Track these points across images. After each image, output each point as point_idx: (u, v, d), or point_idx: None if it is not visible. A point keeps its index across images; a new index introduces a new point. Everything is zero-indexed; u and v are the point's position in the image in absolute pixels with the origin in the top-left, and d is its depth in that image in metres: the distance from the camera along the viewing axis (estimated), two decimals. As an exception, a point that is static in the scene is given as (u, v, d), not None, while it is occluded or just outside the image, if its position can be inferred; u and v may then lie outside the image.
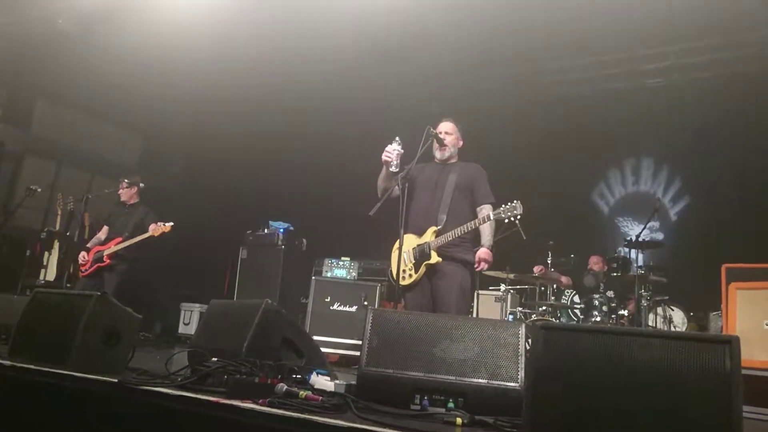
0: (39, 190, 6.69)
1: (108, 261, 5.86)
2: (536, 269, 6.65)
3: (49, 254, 6.92)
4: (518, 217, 3.59)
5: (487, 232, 3.83)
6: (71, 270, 6.79)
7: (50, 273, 6.85)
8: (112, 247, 5.89)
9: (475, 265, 3.83)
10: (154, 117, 8.64)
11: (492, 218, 3.68)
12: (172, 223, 5.85)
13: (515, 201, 3.61)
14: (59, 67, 7.38)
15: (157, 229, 5.82)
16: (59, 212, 7.12)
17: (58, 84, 7.79)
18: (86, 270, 5.95)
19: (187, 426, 2.21)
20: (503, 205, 3.67)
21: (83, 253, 6.04)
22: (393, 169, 3.85)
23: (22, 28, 7.10)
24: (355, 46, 6.96)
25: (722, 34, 6.96)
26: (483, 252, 3.81)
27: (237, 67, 7.56)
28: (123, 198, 6.26)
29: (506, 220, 3.65)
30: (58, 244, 6.95)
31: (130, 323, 2.99)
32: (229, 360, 2.57)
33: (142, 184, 6.30)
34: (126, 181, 6.24)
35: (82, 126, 8.67)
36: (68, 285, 6.38)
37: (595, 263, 7.11)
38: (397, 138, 3.89)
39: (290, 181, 8.63)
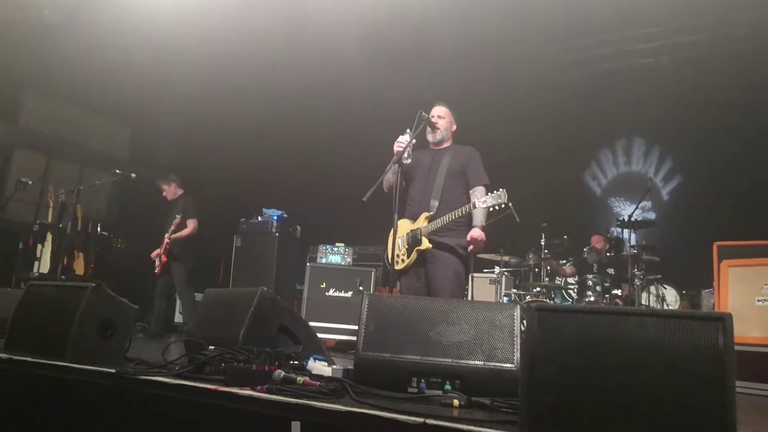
0: (30, 182, 6.67)
1: (165, 259, 6.41)
2: (568, 269, 7.15)
3: (43, 247, 6.90)
4: (503, 205, 3.57)
5: (479, 214, 3.81)
6: (65, 262, 6.77)
7: (44, 265, 6.83)
8: (162, 247, 6.43)
9: (469, 246, 3.82)
10: (144, 107, 8.57)
11: (477, 207, 3.66)
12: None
13: (500, 189, 3.59)
14: (46, 58, 7.30)
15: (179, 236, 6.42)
16: (51, 204, 7.08)
17: (45, 76, 7.71)
18: (158, 272, 6.49)
19: (186, 414, 2.22)
20: (488, 194, 3.65)
21: (157, 251, 6.50)
22: (405, 160, 3.84)
23: (6, 19, 7.00)
24: (346, 33, 6.91)
25: (712, 14, 6.95)
26: (475, 231, 3.78)
27: (227, 55, 7.49)
28: (168, 197, 6.77)
29: (490, 209, 3.63)
30: (51, 236, 6.93)
31: (126, 314, 2.99)
32: (226, 348, 2.57)
33: (173, 177, 6.83)
34: (159, 182, 6.80)
35: (71, 118, 8.60)
36: (62, 277, 6.37)
37: (597, 242, 7.20)
38: (408, 129, 3.88)
39: (283, 168, 8.60)
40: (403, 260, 3.90)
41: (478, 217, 3.81)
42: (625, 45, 7.67)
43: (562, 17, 7.01)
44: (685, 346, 1.64)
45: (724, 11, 6.88)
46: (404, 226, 3.93)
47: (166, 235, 6.40)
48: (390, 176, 3.93)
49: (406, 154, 3.85)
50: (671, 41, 7.44)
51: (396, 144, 3.90)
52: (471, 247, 3.81)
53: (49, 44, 7.12)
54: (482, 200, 3.64)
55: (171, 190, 6.82)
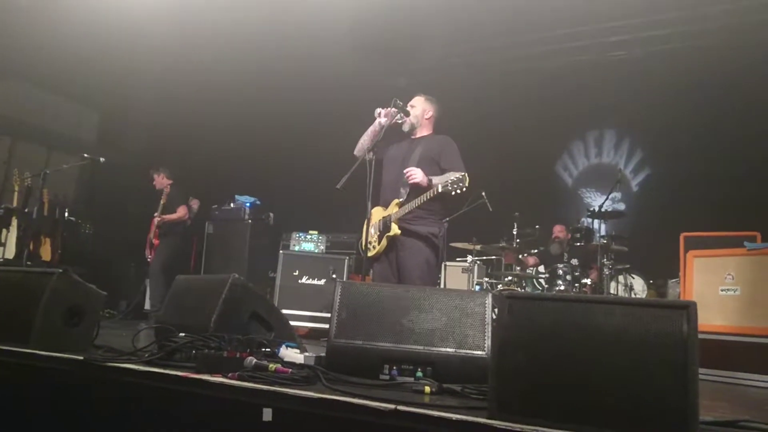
0: (-7, 165, 6.50)
1: (157, 242, 6.90)
2: (530, 260, 7.24)
3: (8, 231, 6.73)
4: (464, 189, 3.55)
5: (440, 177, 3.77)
6: (31, 247, 6.62)
7: (9, 251, 6.66)
8: (152, 230, 6.93)
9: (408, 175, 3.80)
10: (114, 91, 8.38)
11: (440, 191, 3.62)
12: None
13: (462, 174, 3.57)
14: (11, 39, 7.07)
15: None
16: (16, 188, 6.89)
17: (9, 57, 7.47)
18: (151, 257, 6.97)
19: (156, 402, 2.20)
20: (450, 178, 3.62)
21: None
22: (382, 120, 3.95)
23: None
24: (322, 20, 6.85)
25: (684, 8, 7.05)
26: (419, 174, 3.76)
27: (200, 42, 7.37)
28: (156, 186, 7.12)
29: (452, 193, 3.59)
30: (16, 221, 6.76)
31: (93, 300, 2.94)
32: (197, 335, 2.55)
33: (164, 169, 7.18)
34: (151, 170, 7.20)
35: (37, 100, 8.36)
36: (28, 263, 6.23)
37: (559, 231, 7.28)
38: (398, 100, 3.94)
39: (256, 154, 8.52)
40: (374, 247, 3.93)
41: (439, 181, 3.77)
42: (598, 37, 7.74)
43: (535, 9, 7.05)
44: (651, 333, 1.68)
45: (695, 5, 6.99)
46: (377, 213, 3.99)
47: (156, 214, 6.85)
48: (365, 140, 3.97)
49: (383, 118, 3.94)
50: (643, 35, 7.53)
51: (375, 112, 3.97)
52: (408, 173, 3.78)
53: (15, 25, 6.91)
54: (444, 184, 3.58)
55: (159, 180, 7.13)
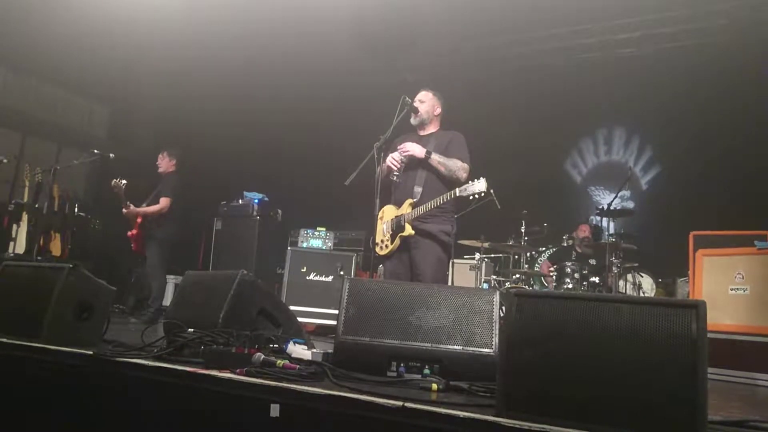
0: (5, 160, 6.55)
1: (133, 233, 6.24)
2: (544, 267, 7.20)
3: (18, 227, 6.78)
4: (482, 194, 3.58)
5: (448, 165, 3.85)
6: (41, 242, 6.67)
7: (19, 246, 6.71)
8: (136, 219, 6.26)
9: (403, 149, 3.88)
10: (123, 87, 8.44)
11: (458, 194, 3.64)
12: (125, 181, 6.12)
13: (480, 178, 3.59)
14: (22, 36, 7.13)
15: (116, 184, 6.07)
16: (27, 184, 6.95)
17: (21, 53, 7.52)
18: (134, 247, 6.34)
19: (164, 397, 2.21)
20: (469, 182, 3.64)
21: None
22: (394, 178, 3.95)
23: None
24: (329, 17, 6.85)
25: (692, 5, 7.01)
26: (413, 146, 3.87)
27: (208, 39, 7.39)
28: (160, 168, 6.47)
29: (470, 197, 3.62)
30: (26, 216, 6.81)
31: (103, 296, 2.96)
32: (205, 330, 2.57)
33: (174, 151, 6.54)
34: (165, 152, 6.50)
35: (48, 96, 8.43)
36: (38, 258, 6.27)
37: (587, 230, 7.26)
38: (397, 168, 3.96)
39: (265, 151, 8.54)
40: (387, 245, 3.93)
41: (443, 163, 3.86)
42: (607, 35, 7.71)
43: (543, 6, 7.02)
44: (660, 332, 1.67)
45: (704, 2, 6.95)
46: (389, 211, 3.99)
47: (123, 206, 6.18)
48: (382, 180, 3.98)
49: (395, 177, 3.94)
50: (653, 32, 7.49)
51: (389, 159, 3.93)
52: (402, 148, 3.87)
53: (26, 21, 6.95)
54: (462, 188, 3.64)
55: (164, 162, 6.49)
